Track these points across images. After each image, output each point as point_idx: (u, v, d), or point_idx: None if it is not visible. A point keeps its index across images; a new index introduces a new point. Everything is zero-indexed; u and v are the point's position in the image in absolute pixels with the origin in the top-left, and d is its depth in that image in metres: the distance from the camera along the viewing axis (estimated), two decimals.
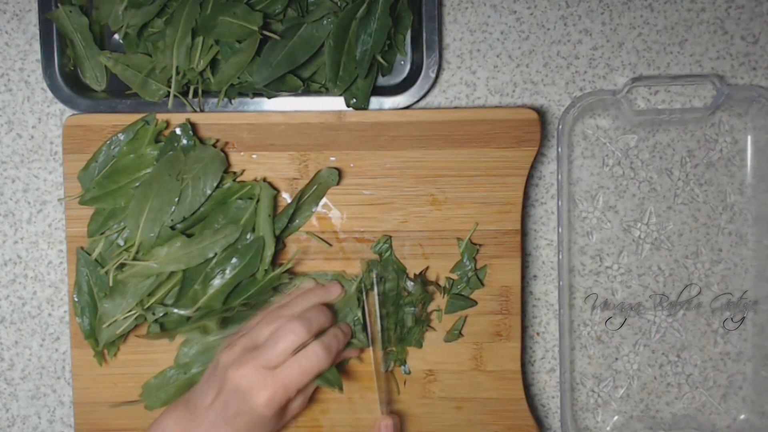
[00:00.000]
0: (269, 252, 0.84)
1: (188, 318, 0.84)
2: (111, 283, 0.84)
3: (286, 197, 0.88)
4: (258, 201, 0.85)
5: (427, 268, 0.88)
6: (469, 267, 0.88)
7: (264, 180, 0.87)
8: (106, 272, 0.84)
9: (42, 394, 0.93)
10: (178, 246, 0.82)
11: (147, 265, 0.82)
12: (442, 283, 0.88)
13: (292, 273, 0.88)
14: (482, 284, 0.88)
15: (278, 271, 0.85)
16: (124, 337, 0.86)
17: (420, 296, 0.87)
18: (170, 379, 0.86)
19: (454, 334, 0.88)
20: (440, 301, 0.89)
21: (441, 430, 0.89)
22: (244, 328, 0.82)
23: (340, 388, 0.83)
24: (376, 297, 0.84)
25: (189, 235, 0.84)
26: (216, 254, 0.83)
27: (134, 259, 0.83)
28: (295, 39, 0.86)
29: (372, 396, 0.88)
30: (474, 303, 0.88)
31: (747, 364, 0.93)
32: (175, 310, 0.84)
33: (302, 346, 0.77)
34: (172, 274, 0.83)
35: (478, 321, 0.89)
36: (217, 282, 0.84)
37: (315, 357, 0.77)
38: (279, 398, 0.75)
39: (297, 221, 0.88)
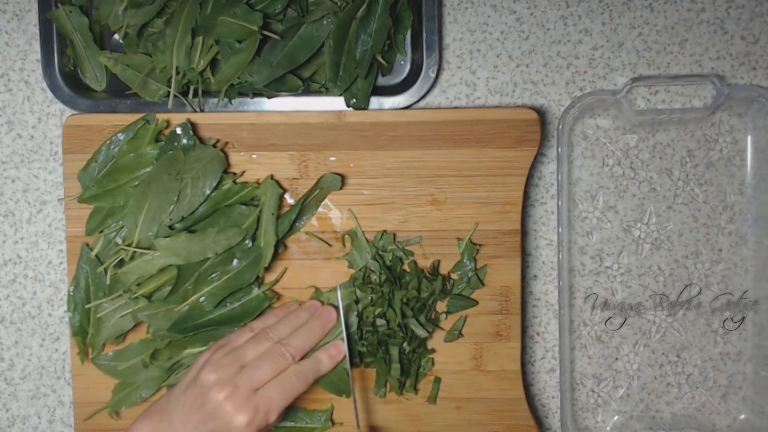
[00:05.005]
0: (269, 251, 0.84)
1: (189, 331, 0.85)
2: (108, 281, 0.84)
3: (286, 197, 0.88)
4: (263, 200, 0.85)
5: (439, 261, 0.88)
6: (470, 267, 0.88)
7: (271, 177, 0.87)
8: (105, 270, 0.84)
9: (42, 394, 0.93)
10: (182, 239, 0.82)
11: (145, 259, 0.82)
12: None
13: (277, 293, 0.88)
14: (482, 284, 0.88)
15: (263, 289, 0.86)
16: (123, 336, 0.87)
17: (439, 292, 0.87)
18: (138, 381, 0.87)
19: (454, 334, 0.88)
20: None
21: (441, 430, 0.89)
22: (227, 343, 0.81)
23: (348, 395, 0.84)
24: (342, 320, 0.83)
25: (192, 232, 0.84)
26: (215, 254, 0.83)
27: (133, 254, 0.83)
28: (295, 39, 0.86)
29: (369, 395, 0.88)
30: (475, 303, 0.88)
31: (747, 364, 0.93)
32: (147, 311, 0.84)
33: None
34: (165, 269, 0.83)
35: (478, 321, 0.89)
36: (210, 284, 0.83)
37: (296, 382, 0.78)
38: (258, 422, 0.75)
39: (297, 224, 0.87)
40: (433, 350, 0.89)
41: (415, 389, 0.88)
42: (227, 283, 0.84)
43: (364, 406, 0.89)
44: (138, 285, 0.83)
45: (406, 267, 0.88)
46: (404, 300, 0.85)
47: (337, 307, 0.84)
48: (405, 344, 0.86)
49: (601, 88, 0.92)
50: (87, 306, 0.85)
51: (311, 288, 0.88)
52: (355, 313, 0.85)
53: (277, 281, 0.88)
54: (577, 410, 0.94)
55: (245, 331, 0.82)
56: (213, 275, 0.84)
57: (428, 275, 0.88)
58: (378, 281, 0.86)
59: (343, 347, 0.83)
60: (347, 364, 0.83)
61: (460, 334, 0.89)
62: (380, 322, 0.85)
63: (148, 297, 0.84)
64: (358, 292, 0.85)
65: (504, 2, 0.92)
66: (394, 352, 0.85)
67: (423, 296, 0.86)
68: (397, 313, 0.85)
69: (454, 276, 0.88)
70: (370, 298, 0.85)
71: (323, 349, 0.82)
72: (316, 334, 0.82)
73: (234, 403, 0.75)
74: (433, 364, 0.89)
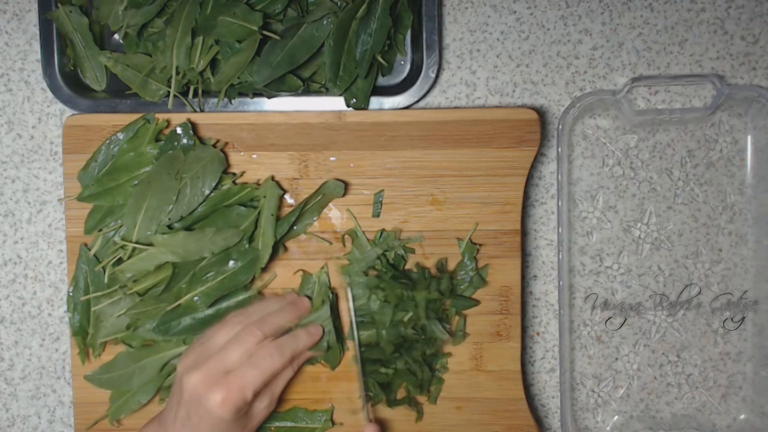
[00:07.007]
0: (267, 252, 0.84)
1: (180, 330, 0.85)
2: (107, 280, 0.84)
3: (286, 197, 0.88)
4: (263, 201, 0.85)
5: (446, 259, 0.88)
6: (471, 267, 0.88)
7: (272, 178, 0.87)
8: (103, 268, 0.84)
9: (42, 394, 0.93)
10: (179, 237, 0.82)
11: (142, 256, 0.82)
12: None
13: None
14: (485, 282, 0.88)
15: (252, 292, 0.86)
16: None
17: (449, 292, 0.87)
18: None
19: (459, 335, 0.88)
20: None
21: (441, 430, 0.89)
22: (203, 337, 0.81)
23: (333, 367, 0.86)
24: (352, 307, 0.84)
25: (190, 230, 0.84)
26: (212, 254, 0.83)
27: (132, 253, 0.83)
28: (295, 39, 0.86)
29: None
30: (477, 303, 0.88)
31: (747, 364, 0.93)
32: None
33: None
34: (162, 267, 0.83)
35: (478, 321, 0.89)
36: (205, 284, 0.83)
37: (269, 357, 0.77)
38: (234, 399, 0.75)
39: (297, 228, 0.87)
40: (450, 354, 0.88)
41: (428, 391, 0.88)
42: (222, 284, 0.84)
43: (363, 405, 0.88)
44: (134, 282, 0.83)
45: (408, 267, 0.88)
46: (427, 301, 0.85)
47: (311, 298, 0.85)
48: (425, 347, 0.86)
49: (601, 88, 0.92)
50: (83, 298, 0.84)
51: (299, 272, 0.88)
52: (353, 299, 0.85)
53: (266, 286, 0.87)
54: (577, 410, 0.94)
55: (220, 324, 0.82)
56: (208, 275, 0.83)
57: (435, 274, 0.88)
58: (388, 279, 0.86)
59: (321, 329, 0.83)
60: (358, 360, 0.83)
61: (466, 334, 0.88)
62: (411, 331, 0.85)
63: (143, 293, 0.84)
64: (382, 287, 0.85)
65: (504, 2, 0.92)
66: (417, 355, 0.85)
67: (444, 296, 0.86)
68: (421, 315, 0.85)
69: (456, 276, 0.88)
70: (400, 293, 0.85)
71: (302, 328, 0.82)
72: (288, 317, 0.81)
73: (205, 384, 0.75)
74: (447, 366, 0.88)
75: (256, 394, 0.77)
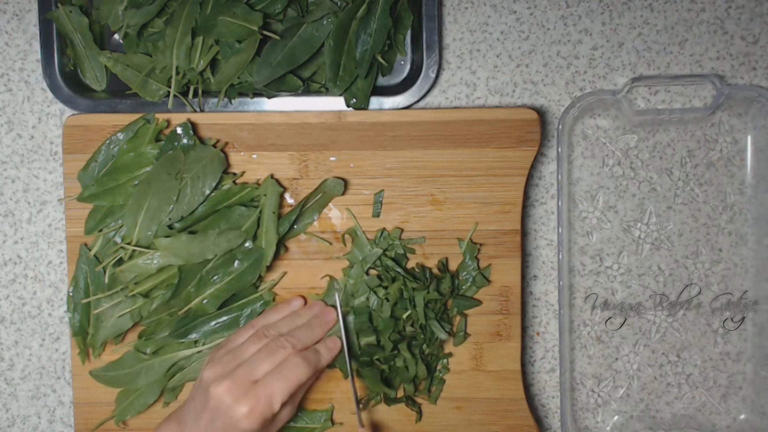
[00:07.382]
0: (271, 251, 0.84)
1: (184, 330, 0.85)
2: (107, 280, 0.84)
3: (286, 197, 0.88)
4: (264, 199, 0.85)
5: (447, 259, 0.88)
6: (473, 266, 0.88)
7: (272, 176, 0.87)
8: (104, 268, 0.84)
9: (42, 394, 0.93)
10: (182, 240, 0.82)
11: (144, 259, 0.82)
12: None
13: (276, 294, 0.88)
14: (489, 281, 0.88)
15: (262, 291, 0.86)
16: (122, 336, 0.87)
17: (451, 291, 0.86)
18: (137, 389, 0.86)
19: (460, 336, 0.88)
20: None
21: (441, 430, 0.89)
22: (228, 343, 0.81)
23: (345, 375, 0.85)
24: (341, 319, 0.84)
25: (192, 233, 0.84)
26: (215, 257, 0.83)
27: (132, 254, 0.83)
28: (295, 39, 0.86)
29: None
30: (479, 303, 0.88)
31: (747, 364, 0.93)
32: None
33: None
34: (163, 269, 0.83)
35: (478, 321, 0.89)
36: (212, 287, 0.84)
37: (296, 368, 0.77)
38: (261, 411, 0.75)
39: (297, 227, 0.87)
40: (450, 354, 0.88)
41: (429, 391, 0.88)
42: (229, 285, 0.84)
43: (364, 405, 0.88)
44: (136, 284, 0.83)
45: (409, 267, 0.88)
46: (426, 301, 0.85)
47: (335, 307, 0.84)
48: (424, 346, 0.86)
49: (601, 88, 0.92)
50: (84, 301, 0.85)
51: (312, 289, 0.88)
52: (352, 311, 0.85)
53: (276, 284, 0.87)
54: (577, 410, 0.94)
55: (246, 330, 0.82)
56: (215, 277, 0.84)
57: (437, 274, 0.87)
58: (389, 278, 0.86)
59: (340, 342, 0.83)
60: (348, 363, 0.83)
61: (467, 335, 0.88)
62: (410, 329, 0.85)
63: (145, 295, 0.84)
64: (381, 285, 0.85)
65: (504, 2, 0.92)
66: (417, 352, 0.86)
67: (443, 297, 0.86)
68: (420, 314, 0.85)
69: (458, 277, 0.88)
70: (399, 291, 0.85)
71: (321, 342, 0.82)
72: (317, 332, 0.82)
73: (233, 395, 0.75)
74: (448, 367, 0.88)
75: (282, 405, 0.77)
